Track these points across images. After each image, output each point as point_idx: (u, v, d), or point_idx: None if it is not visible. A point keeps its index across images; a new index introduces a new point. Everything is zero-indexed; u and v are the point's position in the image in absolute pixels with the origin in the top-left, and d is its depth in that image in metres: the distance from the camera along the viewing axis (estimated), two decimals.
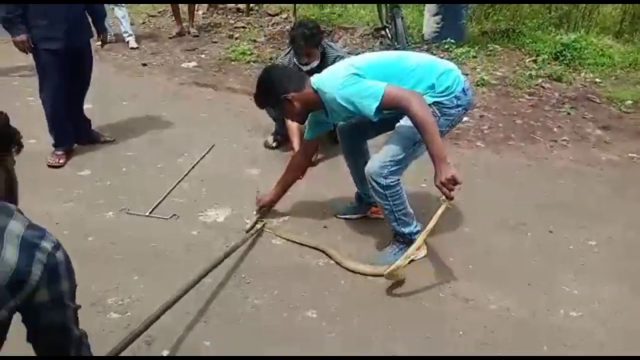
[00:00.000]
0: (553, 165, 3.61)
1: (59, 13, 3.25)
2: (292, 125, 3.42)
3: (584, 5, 6.39)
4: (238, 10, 7.62)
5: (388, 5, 5.81)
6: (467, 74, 5.11)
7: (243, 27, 7.00)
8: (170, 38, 6.73)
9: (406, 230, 2.48)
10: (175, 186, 3.24)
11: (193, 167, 3.48)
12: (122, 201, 3.07)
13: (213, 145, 3.79)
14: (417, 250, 2.36)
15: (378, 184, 2.36)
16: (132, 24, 6.70)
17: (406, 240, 2.50)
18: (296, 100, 2.42)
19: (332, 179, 3.29)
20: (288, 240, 2.71)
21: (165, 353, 2.00)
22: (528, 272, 2.47)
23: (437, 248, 2.61)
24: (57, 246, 1.08)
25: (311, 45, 3.32)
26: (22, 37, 3.19)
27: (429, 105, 2.26)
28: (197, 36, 6.72)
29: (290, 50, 3.56)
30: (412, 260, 2.50)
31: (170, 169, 3.47)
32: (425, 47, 5.85)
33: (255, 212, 2.91)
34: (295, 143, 3.41)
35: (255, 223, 2.82)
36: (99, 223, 2.86)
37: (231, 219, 2.91)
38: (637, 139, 4.01)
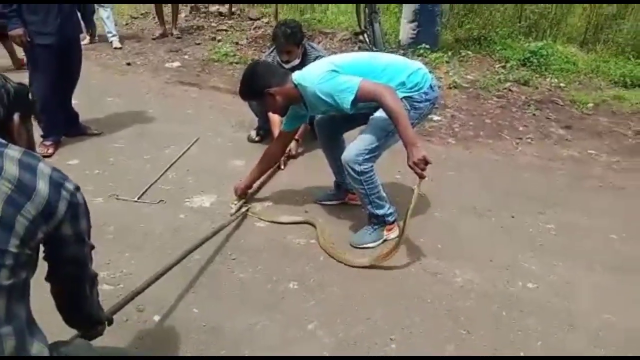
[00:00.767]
0: (518, 160, 3.87)
1: (51, 9, 3.40)
2: (275, 118, 3.61)
3: (552, 15, 6.75)
4: (220, 14, 7.80)
5: (366, 10, 6.06)
6: (441, 78, 5.39)
7: (225, 30, 7.18)
8: (153, 39, 6.87)
9: (380, 212, 2.69)
10: (162, 175, 3.39)
11: (179, 158, 3.63)
12: (111, 188, 3.21)
13: (197, 138, 3.95)
14: (400, 236, 2.49)
15: (354, 170, 2.57)
16: (115, 25, 6.82)
17: (380, 221, 2.71)
18: (278, 95, 2.62)
19: (312, 169, 3.48)
20: (272, 222, 2.90)
21: (156, 318, 2.16)
22: (491, 251, 2.70)
23: (409, 229, 2.81)
24: (77, 188, 1.24)
25: (292, 43, 3.52)
26: (19, 30, 3.32)
27: (401, 99, 2.48)
28: (180, 38, 6.88)
29: (273, 50, 3.76)
30: (385, 240, 2.73)
31: (157, 160, 3.61)
32: (402, 52, 6.10)
33: (235, 200, 3.06)
34: (277, 134, 3.60)
35: (240, 208, 2.99)
36: (90, 207, 2.94)
37: (217, 205, 3.08)
38: (596, 138, 4.31)
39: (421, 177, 2.32)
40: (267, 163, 3.07)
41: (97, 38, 6.61)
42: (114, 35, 6.55)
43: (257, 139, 3.98)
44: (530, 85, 5.32)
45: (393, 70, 2.59)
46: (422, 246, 2.70)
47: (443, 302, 2.31)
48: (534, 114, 4.69)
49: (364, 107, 2.53)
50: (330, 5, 7.80)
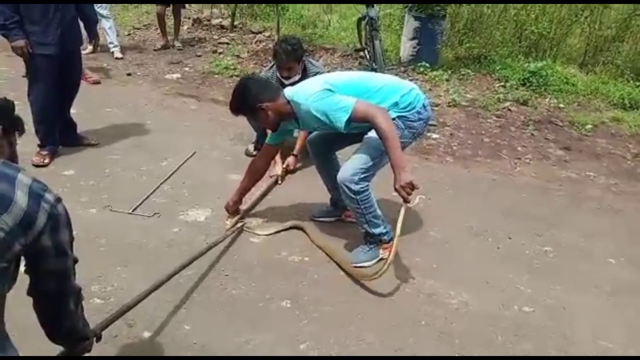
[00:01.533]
0: (516, 180, 3.86)
1: (52, 20, 3.40)
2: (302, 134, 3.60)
3: (551, 36, 6.78)
4: (222, 26, 7.83)
5: (367, 27, 6.09)
6: (440, 95, 5.40)
7: (227, 43, 7.19)
8: (155, 50, 6.88)
9: (376, 231, 2.67)
10: (157, 187, 3.37)
11: (175, 171, 3.61)
12: (105, 199, 3.19)
13: (194, 152, 3.93)
14: (394, 255, 2.46)
15: (350, 189, 2.55)
16: (117, 35, 6.84)
17: (376, 240, 2.69)
18: (270, 110, 2.62)
19: (309, 185, 3.45)
20: (267, 235, 2.89)
21: (146, 335, 2.13)
22: (487, 272, 2.67)
23: (405, 249, 2.80)
24: (58, 199, 1.23)
25: (293, 60, 3.52)
26: (21, 42, 3.31)
27: (394, 119, 2.53)
28: (181, 50, 6.89)
29: (273, 65, 3.76)
30: (380, 259, 2.70)
31: (153, 172, 3.59)
32: (402, 69, 6.13)
33: (227, 218, 3.01)
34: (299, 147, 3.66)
35: (235, 223, 2.96)
36: (83, 218, 2.96)
37: (211, 219, 3.05)
38: (594, 159, 4.30)
39: (406, 201, 2.32)
40: (252, 177, 3.02)
41: (99, 48, 6.62)
42: (115, 46, 6.56)
43: (254, 152, 3.95)
44: (529, 105, 5.32)
45: (387, 91, 2.62)
46: (417, 266, 2.68)
47: (437, 324, 2.29)
48: (532, 134, 4.68)
49: (357, 127, 2.54)
50: (332, 20, 7.85)
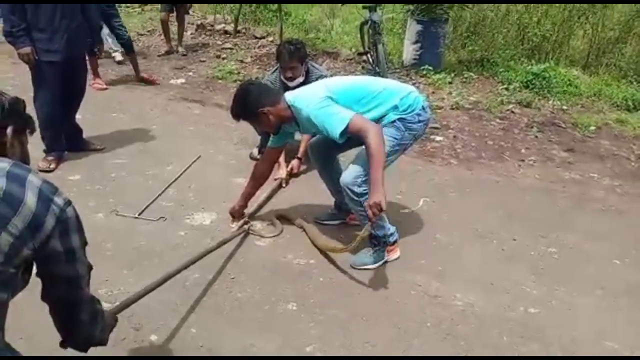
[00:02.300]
0: (520, 182, 3.86)
1: (58, 27, 3.43)
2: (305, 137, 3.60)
3: (554, 38, 6.79)
4: (226, 32, 7.87)
5: (370, 31, 6.12)
6: (443, 98, 5.41)
7: (230, 48, 7.23)
8: (159, 56, 6.92)
9: (381, 233, 2.67)
10: (163, 191, 3.39)
11: (180, 175, 3.64)
12: (112, 203, 3.21)
13: (199, 156, 3.95)
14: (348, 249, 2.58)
15: (353, 192, 2.57)
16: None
17: (380, 242, 2.69)
18: (271, 114, 2.65)
19: (313, 188, 3.46)
20: (272, 237, 2.91)
21: (153, 338, 2.14)
22: (492, 274, 2.68)
23: (410, 251, 2.81)
24: (68, 202, 1.22)
25: (296, 60, 3.55)
26: (27, 49, 3.34)
27: (395, 121, 2.59)
28: (185, 55, 6.93)
29: (277, 69, 3.79)
30: (386, 262, 2.71)
31: (158, 177, 3.62)
32: (405, 72, 6.15)
33: (232, 222, 3.03)
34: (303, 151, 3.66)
35: (241, 226, 2.97)
36: (90, 223, 2.91)
37: (217, 222, 3.07)
38: (598, 161, 4.29)
39: (370, 219, 2.35)
40: (256, 181, 3.04)
41: (103, 54, 6.65)
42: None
43: (259, 156, 3.97)
44: (532, 107, 5.32)
45: (386, 94, 2.65)
46: (422, 268, 2.69)
47: (443, 325, 2.29)
48: (536, 136, 4.68)
49: (353, 138, 2.56)
50: (335, 25, 7.88)
